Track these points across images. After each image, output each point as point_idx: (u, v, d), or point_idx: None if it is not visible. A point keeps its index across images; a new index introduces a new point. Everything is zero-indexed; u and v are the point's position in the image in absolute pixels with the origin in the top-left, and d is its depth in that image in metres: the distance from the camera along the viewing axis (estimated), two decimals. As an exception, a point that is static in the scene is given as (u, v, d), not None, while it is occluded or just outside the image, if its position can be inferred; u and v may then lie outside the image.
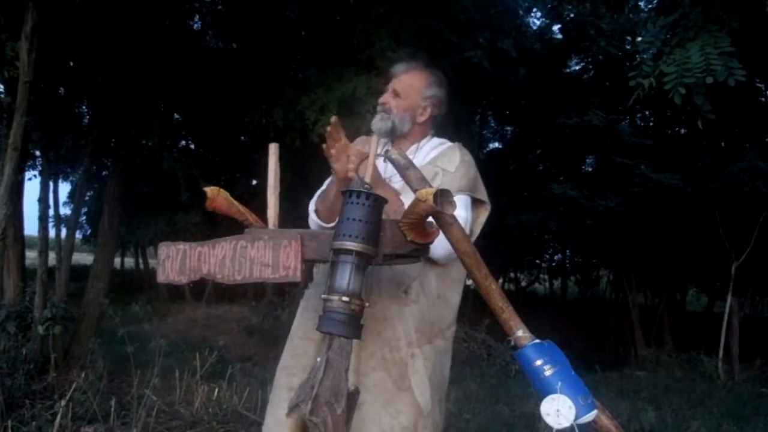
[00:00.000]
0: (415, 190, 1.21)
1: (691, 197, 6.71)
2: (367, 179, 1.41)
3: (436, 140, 1.75)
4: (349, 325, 1.16)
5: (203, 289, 9.68)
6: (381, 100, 1.72)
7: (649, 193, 6.68)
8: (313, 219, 1.68)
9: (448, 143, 1.74)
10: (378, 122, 1.68)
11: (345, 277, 1.16)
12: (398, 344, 1.52)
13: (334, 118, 1.45)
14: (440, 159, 1.68)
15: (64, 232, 6.03)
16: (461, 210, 1.54)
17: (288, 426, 1.50)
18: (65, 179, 11.97)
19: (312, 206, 1.70)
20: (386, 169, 1.60)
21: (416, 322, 1.55)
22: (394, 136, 1.70)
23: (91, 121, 6.38)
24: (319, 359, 1.16)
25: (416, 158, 1.65)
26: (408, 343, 1.53)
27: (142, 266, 14.56)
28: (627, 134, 7.17)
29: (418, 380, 1.52)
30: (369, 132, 1.80)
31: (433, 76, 1.75)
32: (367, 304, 1.20)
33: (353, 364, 1.47)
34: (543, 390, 1.14)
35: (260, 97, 5.62)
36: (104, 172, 8.86)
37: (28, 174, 6.16)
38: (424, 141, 1.73)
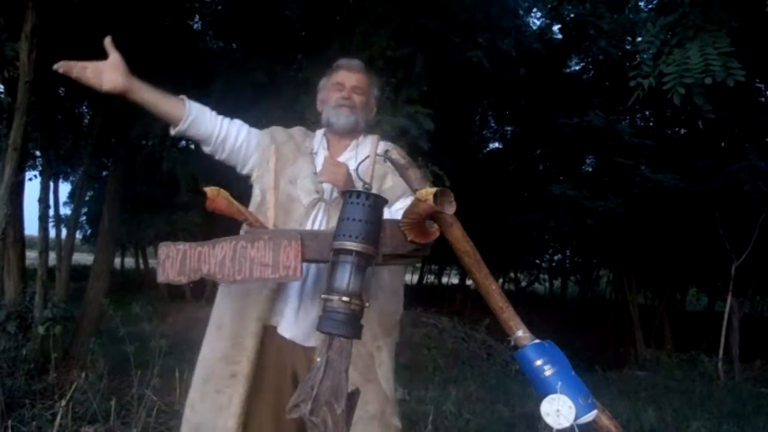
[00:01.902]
0: (415, 190, 1.21)
1: (691, 197, 6.71)
2: (367, 179, 1.41)
3: (373, 136, 1.78)
4: (349, 325, 1.16)
5: (203, 289, 9.68)
6: (343, 94, 1.70)
7: (649, 193, 6.69)
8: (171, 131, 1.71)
9: (380, 140, 1.77)
10: (344, 117, 1.68)
11: (345, 277, 1.16)
12: (363, 339, 1.51)
13: None
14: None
15: (64, 232, 6.03)
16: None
17: (234, 414, 1.52)
18: (65, 179, 11.96)
19: None
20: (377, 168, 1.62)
21: (377, 317, 1.60)
22: (353, 132, 1.71)
23: (91, 121, 6.38)
24: (319, 359, 1.16)
25: (360, 153, 1.68)
26: (372, 336, 1.59)
27: (142, 266, 14.57)
28: (627, 134, 7.17)
29: (383, 371, 1.60)
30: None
31: (374, 77, 1.82)
32: (367, 304, 1.20)
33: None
34: (543, 390, 1.14)
35: (260, 97, 5.62)
36: (104, 172, 8.86)
37: (28, 174, 6.16)
38: (361, 137, 1.75)
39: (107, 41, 1.52)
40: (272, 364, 1.58)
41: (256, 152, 1.71)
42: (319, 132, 1.78)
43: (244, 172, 1.75)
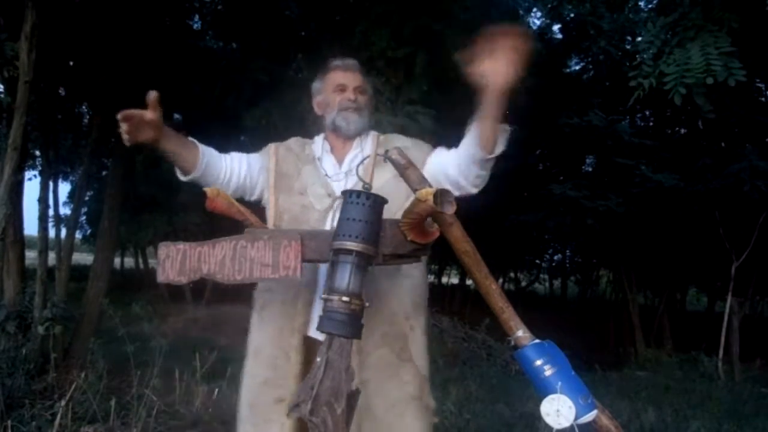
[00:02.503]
0: (415, 190, 1.21)
1: (691, 197, 6.71)
2: (367, 179, 1.41)
3: (374, 132, 1.74)
4: (350, 325, 1.16)
5: (203, 289, 9.69)
6: (349, 96, 1.65)
7: (649, 193, 6.68)
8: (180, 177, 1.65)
9: (396, 138, 1.74)
10: (356, 121, 1.64)
11: (345, 277, 1.16)
12: (397, 318, 1.54)
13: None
14: (388, 142, 1.68)
15: (64, 232, 6.03)
16: (448, 151, 1.57)
17: None
18: (65, 179, 11.95)
19: None
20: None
21: (411, 294, 1.58)
22: (360, 133, 1.68)
23: (91, 121, 6.37)
24: (319, 359, 1.16)
25: (365, 151, 1.66)
26: (406, 316, 1.56)
27: (142, 266, 14.57)
28: (627, 134, 7.16)
29: (417, 350, 1.57)
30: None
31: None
32: (367, 304, 1.20)
33: (355, 344, 1.45)
34: (543, 390, 1.14)
35: (260, 97, 5.62)
36: (104, 172, 8.85)
37: (28, 174, 6.18)
38: (364, 135, 1.71)
39: (153, 97, 1.43)
40: None
41: (261, 176, 1.66)
42: (319, 137, 1.74)
43: (254, 198, 1.70)
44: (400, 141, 1.68)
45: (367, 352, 1.51)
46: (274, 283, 1.54)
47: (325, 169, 1.63)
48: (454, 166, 1.52)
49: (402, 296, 1.56)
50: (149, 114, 1.40)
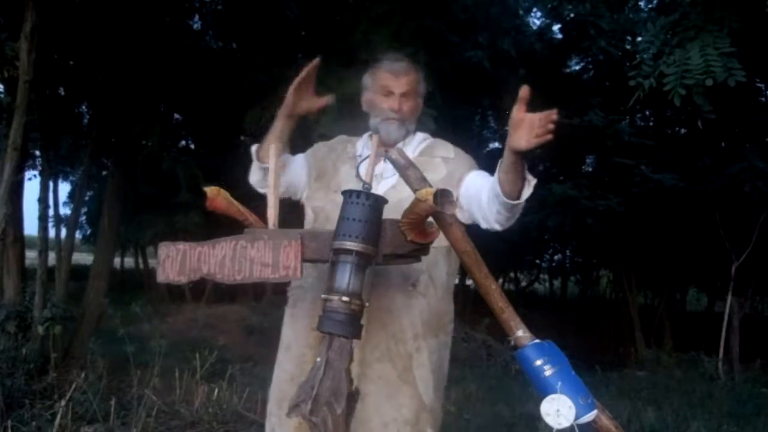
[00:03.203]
0: (415, 190, 1.21)
1: (691, 197, 6.71)
2: (367, 179, 1.41)
3: (420, 134, 1.73)
4: (349, 325, 1.16)
5: (203, 289, 9.68)
6: (392, 105, 1.61)
7: (649, 193, 6.68)
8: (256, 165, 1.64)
9: (429, 136, 1.73)
10: (395, 131, 1.62)
11: (345, 277, 1.17)
12: (404, 337, 1.52)
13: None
14: (432, 150, 1.67)
15: (64, 232, 6.03)
16: (484, 178, 1.54)
17: None
18: (65, 179, 11.97)
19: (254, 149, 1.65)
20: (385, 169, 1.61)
21: (423, 314, 1.54)
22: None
23: (91, 121, 6.38)
24: (318, 359, 1.16)
25: (406, 150, 1.63)
26: (414, 335, 1.53)
27: (142, 266, 14.55)
28: (627, 134, 7.16)
29: (422, 374, 1.53)
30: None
31: (421, 71, 1.71)
32: (367, 304, 1.20)
33: (357, 354, 1.46)
34: (543, 390, 1.14)
35: (260, 97, 5.62)
36: (104, 172, 8.85)
37: (28, 174, 6.16)
38: (408, 137, 1.70)
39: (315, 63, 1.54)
40: None
41: (304, 176, 1.70)
42: (365, 135, 1.73)
43: (298, 198, 1.73)
44: (444, 149, 1.68)
45: (368, 365, 1.49)
46: (307, 280, 1.53)
47: (359, 170, 1.61)
48: (484, 198, 1.50)
49: (414, 316, 1.53)
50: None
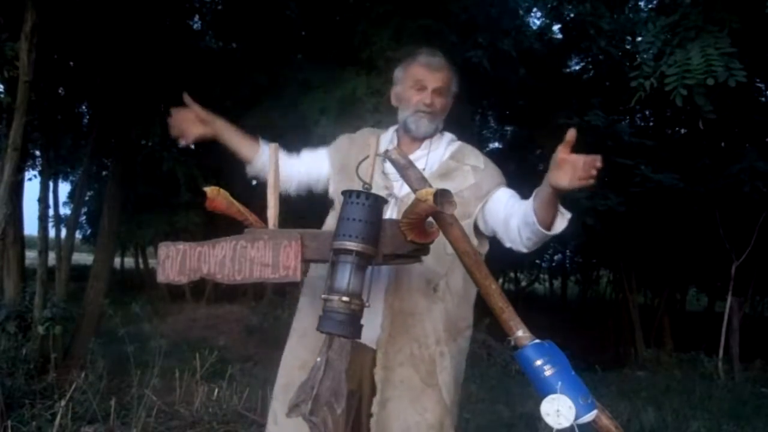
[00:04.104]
0: (415, 190, 1.21)
1: (691, 197, 6.71)
2: (367, 179, 1.41)
3: (448, 135, 1.71)
4: (349, 324, 1.16)
5: (203, 289, 9.68)
6: (425, 100, 1.59)
7: (649, 193, 6.67)
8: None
9: (457, 140, 1.71)
10: (426, 125, 1.61)
11: (345, 277, 1.17)
12: (427, 341, 1.51)
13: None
14: (463, 156, 1.65)
15: (64, 232, 6.03)
16: (513, 198, 1.55)
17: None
18: (65, 179, 11.94)
19: None
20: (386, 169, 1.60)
21: (443, 320, 1.54)
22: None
23: (91, 121, 6.38)
24: (318, 359, 1.16)
25: (432, 153, 1.63)
26: (437, 340, 1.52)
27: (142, 266, 14.54)
28: (627, 134, 7.16)
29: (445, 378, 1.53)
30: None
31: (454, 70, 1.69)
32: (367, 304, 1.20)
33: (381, 359, 1.48)
34: (543, 390, 1.14)
35: (260, 97, 5.62)
36: (104, 172, 8.84)
37: (28, 174, 6.16)
38: (436, 136, 1.68)
39: (186, 98, 1.65)
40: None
41: (324, 171, 1.72)
42: (391, 129, 1.72)
43: (320, 189, 1.76)
44: (474, 158, 1.65)
45: (391, 369, 1.49)
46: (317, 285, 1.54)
47: (385, 165, 1.59)
48: (514, 223, 1.50)
49: (436, 320, 1.52)
50: (189, 112, 1.65)
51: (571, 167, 1.27)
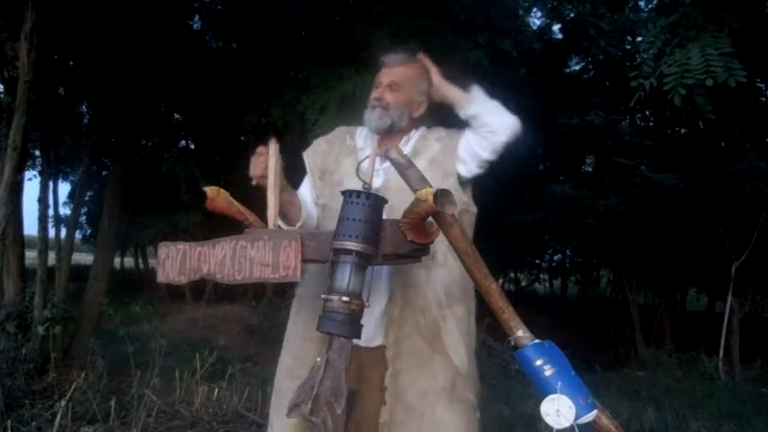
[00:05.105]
0: (415, 190, 1.21)
1: (691, 197, 6.71)
2: (367, 179, 1.41)
3: (423, 129, 1.72)
4: (349, 324, 1.16)
5: (203, 289, 9.68)
6: (376, 95, 1.63)
7: (649, 193, 6.68)
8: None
9: (437, 130, 1.72)
10: (376, 120, 1.62)
11: (345, 277, 1.17)
12: (429, 308, 1.53)
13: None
14: (428, 134, 1.70)
15: (64, 232, 6.03)
16: (485, 101, 1.64)
17: (301, 430, 1.50)
18: (65, 179, 11.97)
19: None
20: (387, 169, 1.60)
21: (445, 284, 1.56)
22: (391, 132, 1.64)
23: (91, 121, 6.38)
24: (318, 359, 1.16)
25: (405, 150, 1.63)
26: (439, 305, 1.54)
27: (142, 266, 14.55)
28: (627, 134, 7.16)
29: (451, 341, 1.55)
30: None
31: (427, 67, 1.69)
32: (367, 304, 1.20)
33: (391, 336, 1.50)
34: (543, 390, 1.14)
35: (260, 97, 5.62)
36: (104, 172, 8.85)
37: (28, 174, 6.17)
38: (413, 131, 1.70)
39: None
40: None
41: (311, 184, 1.72)
42: (376, 137, 1.72)
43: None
44: (437, 132, 1.72)
45: (399, 342, 1.51)
46: (310, 273, 1.53)
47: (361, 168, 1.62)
48: (469, 139, 1.62)
49: (436, 286, 1.55)
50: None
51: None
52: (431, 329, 1.53)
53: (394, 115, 1.62)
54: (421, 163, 1.51)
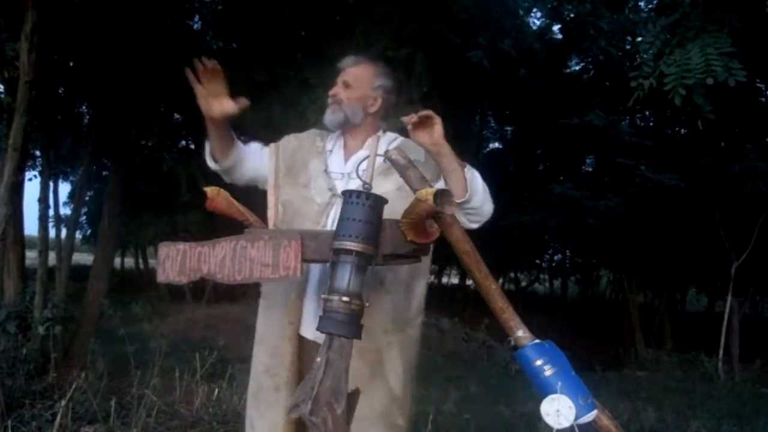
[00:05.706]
0: (415, 190, 1.21)
1: (691, 197, 6.72)
2: (367, 179, 1.41)
3: (390, 135, 1.73)
4: (350, 325, 1.16)
5: (203, 289, 9.68)
6: (331, 92, 1.69)
7: (649, 193, 6.69)
8: (210, 164, 1.73)
9: (399, 136, 1.73)
10: (329, 115, 1.67)
11: (345, 277, 1.16)
12: (374, 332, 1.52)
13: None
14: (406, 151, 1.68)
15: (64, 232, 6.03)
16: (481, 191, 1.57)
17: (283, 427, 1.51)
18: (65, 179, 11.96)
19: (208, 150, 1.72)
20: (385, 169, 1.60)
21: (390, 311, 1.57)
22: (346, 127, 1.68)
23: (91, 121, 6.38)
24: (319, 359, 1.16)
25: (380, 150, 1.64)
26: (384, 331, 1.55)
27: (142, 266, 14.56)
28: (627, 134, 7.17)
29: (392, 367, 1.56)
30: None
31: (380, 66, 1.75)
32: (367, 304, 1.20)
33: None
34: (543, 390, 1.14)
35: (260, 97, 5.62)
36: (104, 172, 8.85)
37: (28, 174, 6.16)
38: (379, 134, 1.71)
39: (212, 62, 1.65)
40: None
41: (274, 169, 1.72)
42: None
43: (265, 188, 1.76)
44: (414, 152, 1.63)
45: None
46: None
47: (328, 164, 1.65)
48: None
49: (382, 312, 1.55)
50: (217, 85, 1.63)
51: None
52: (373, 353, 1.53)
53: (347, 109, 1.66)
54: (387, 186, 1.55)
